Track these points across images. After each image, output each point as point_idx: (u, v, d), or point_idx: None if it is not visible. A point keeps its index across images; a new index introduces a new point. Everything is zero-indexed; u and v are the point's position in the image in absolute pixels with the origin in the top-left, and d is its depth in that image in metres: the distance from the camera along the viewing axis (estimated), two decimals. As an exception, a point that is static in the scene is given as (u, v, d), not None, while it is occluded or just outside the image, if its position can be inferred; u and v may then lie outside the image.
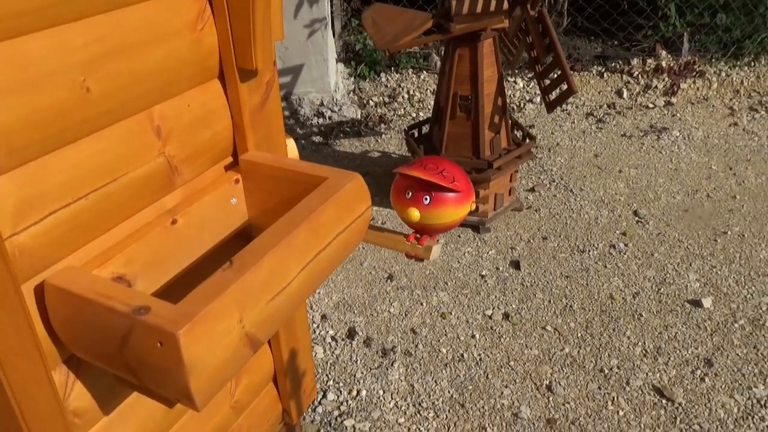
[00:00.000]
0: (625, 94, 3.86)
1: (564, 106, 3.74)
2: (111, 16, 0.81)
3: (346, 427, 1.86)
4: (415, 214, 0.98)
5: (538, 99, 3.82)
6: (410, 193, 0.99)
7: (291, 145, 1.69)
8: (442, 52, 3.52)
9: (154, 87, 0.90)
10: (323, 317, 2.28)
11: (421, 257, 1.02)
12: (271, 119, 1.09)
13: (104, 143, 0.84)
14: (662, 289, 2.30)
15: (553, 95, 2.50)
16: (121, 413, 0.98)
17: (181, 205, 0.97)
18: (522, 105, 3.82)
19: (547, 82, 2.49)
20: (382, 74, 4.02)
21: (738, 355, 2.00)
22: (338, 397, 1.97)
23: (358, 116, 3.73)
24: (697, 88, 3.87)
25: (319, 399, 1.96)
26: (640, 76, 3.95)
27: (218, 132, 1.03)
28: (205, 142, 1.00)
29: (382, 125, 3.66)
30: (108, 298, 0.73)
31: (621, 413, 1.84)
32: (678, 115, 3.64)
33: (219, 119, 1.02)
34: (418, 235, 1.04)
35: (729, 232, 2.60)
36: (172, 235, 0.95)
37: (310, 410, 1.93)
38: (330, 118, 3.72)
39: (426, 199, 0.97)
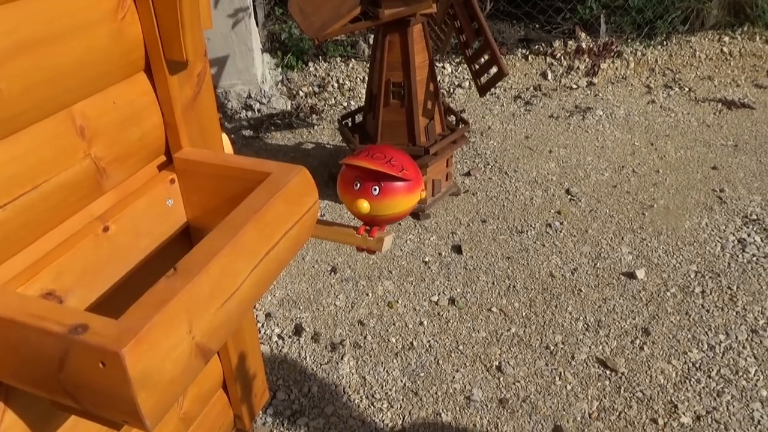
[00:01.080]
0: (550, 76, 3.95)
1: (493, 89, 3.79)
2: (20, 6, 0.73)
3: (300, 426, 1.82)
4: (364, 206, 0.95)
5: (467, 84, 3.86)
6: (358, 185, 0.95)
7: (225, 140, 1.61)
8: (371, 40, 3.48)
9: (74, 83, 0.82)
10: (268, 315, 2.22)
11: (373, 249, 0.99)
12: (205, 114, 1.03)
13: (21, 148, 0.76)
14: (598, 264, 2.38)
15: (484, 79, 2.52)
16: (59, 439, 0.91)
17: (113, 211, 0.90)
18: (452, 90, 3.85)
19: (478, 66, 2.50)
20: (310, 63, 3.94)
21: (672, 322, 2.10)
22: (289, 396, 1.92)
23: (288, 107, 3.65)
24: (616, 68, 4.02)
25: (269, 400, 1.91)
26: (562, 57, 4.06)
27: (148, 130, 0.96)
28: (135, 141, 0.93)
29: (314, 116, 3.60)
30: (38, 318, 0.66)
31: (569, 387, 1.88)
32: (600, 94, 3.76)
33: (148, 116, 0.95)
34: (368, 228, 1.01)
35: (655, 205, 2.71)
36: (105, 244, 0.87)
37: (261, 412, 1.87)
38: (259, 110, 3.62)
39: (375, 189, 0.94)
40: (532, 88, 3.86)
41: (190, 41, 0.90)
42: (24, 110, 0.76)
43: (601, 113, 3.54)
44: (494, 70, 2.40)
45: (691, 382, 1.88)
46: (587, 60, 4.00)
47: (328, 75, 3.89)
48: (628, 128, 3.38)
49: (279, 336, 2.14)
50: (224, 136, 1.61)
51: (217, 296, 0.75)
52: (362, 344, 2.08)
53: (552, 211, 2.71)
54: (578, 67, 3.98)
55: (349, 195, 0.97)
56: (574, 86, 3.86)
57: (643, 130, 3.35)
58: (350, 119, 2.85)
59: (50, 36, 0.77)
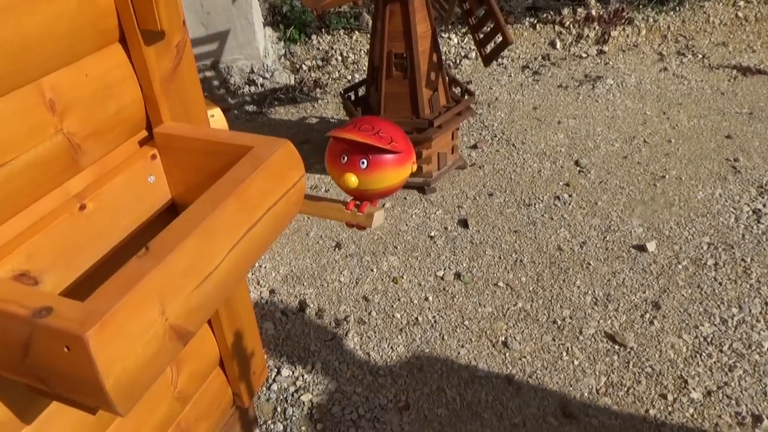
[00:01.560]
0: (559, 44, 3.85)
1: (500, 59, 3.71)
2: (-24, -28, 0.69)
3: (303, 403, 1.81)
4: (352, 180, 0.90)
5: (474, 54, 3.76)
6: (345, 158, 0.91)
7: (218, 114, 1.56)
8: (373, 10, 3.39)
9: (41, 55, 0.78)
10: (272, 292, 2.20)
11: (363, 225, 0.95)
12: (187, 86, 0.99)
13: (-15, 123, 0.73)
14: (608, 237, 2.33)
15: (489, 48, 2.44)
16: (46, 420, 0.89)
17: (90, 189, 0.87)
18: (458, 61, 3.76)
19: (482, 35, 2.43)
20: (313, 37, 3.87)
21: (683, 295, 2.04)
22: (293, 372, 1.91)
23: (292, 82, 3.59)
24: (627, 35, 3.90)
25: (273, 376, 1.89)
26: (571, 26, 3.94)
27: (126, 104, 0.92)
28: (112, 115, 0.89)
29: (318, 90, 3.54)
30: (3, 301, 0.63)
31: (576, 363, 1.85)
32: (611, 63, 3.66)
33: (125, 89, 0.91)
34: (358, 202, 0.97)
35: (667, 176, 2.64)
36: (82, 223, 0.84)
37: (264, 389, 1.86)
38: (262, 85, 3.56)
39: (363, 163, 0.89)
40: (540, 57, 3.76)
41: (165, 10, 0.85)
42: (-13, 84, 0.72)
43: (612, 82, 3.44)
44: (499, 39, 2.32)
45: (702, 357, 1.84)
46: (597, 28, 3.88)
47: (332, 48, 3.82)
48: (640, 97, 3.29)
49: (283, 312, 2.12)
50: (217, 110, 1.56)
51: (193, 276, 0.72)
52: (367, 320, 2.06)
53: (560, 183, 2.65)
54: (588, 36, 3.86)
55: (337, 169, 0.93)
56: (584, 55, 3.76)
57: (654, 99, 3.26)
58: (353, 92, 2.79)
59: (13, 4, 0.73)
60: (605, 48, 3.77)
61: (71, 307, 0.62)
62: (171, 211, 1.04)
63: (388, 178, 0.91)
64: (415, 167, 0.95)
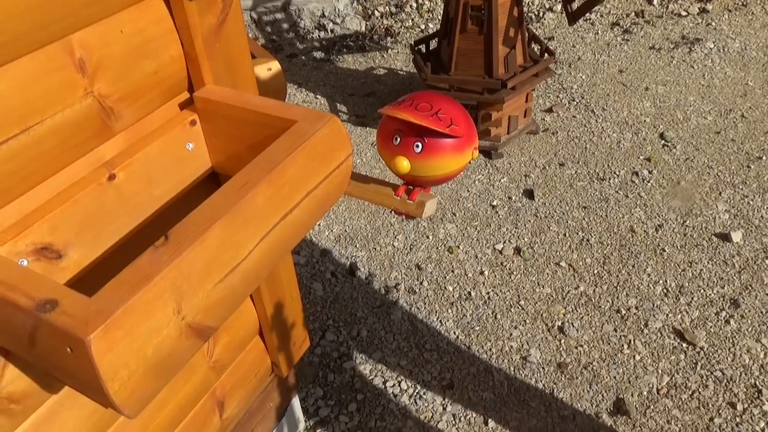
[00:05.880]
0: (656, 0, 3.51)
1: (587, 15, 3.42)
2: None
3: (345, 370, 1.78)
4: (404, 164, 0.80)
5: (560, 7, 3.49)
6: (398, 139, 0.81)
7: (275, 67, 1.47)
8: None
9: (70, 8, 0.71)
10: (323, 252, 2.16)
11: (413, 215, 0.85)
12: (232, 45, 0.90)
13: (6, 84, 0.67)
14: (688, 222, 2.13)
15: (576, 4, 2.23)
16: (70, 391, 0.86)
17: (122, 156, 0.81)
18: (541, 14, 3.50)
19: (570, -12, 2.21)
20: (389, -19, 3.68)
21: (767, 294, 1.86)
22: (338, 337, 1.87)
23: (363, 29, 3.45)
24: (736, -7, 3.51)
25: (318, 340, 1.87)
26: (673, -21, 3.58)
27: (165, 63, 0.84)
28: (148, 75, 0.82)
29: (389, 39, 3.38)
30: (9, 287, 0.58)
31: (637, 357, 1.72)
32: (713, 24, 3.31)
33: (164, 46, 0.83)
34: (410, 187, 0.87)
35: (764, 157, 2.38)
36: (111, 193, 0.79)
37: (308, 351, 1.84)
38: (332, 31, 3.44)
39: (417, 146, 0.79)
40: (633, 14, 3.44)
41: (207, -41, 0.76)
42: (10, 40, 0.66)
43: (712, 46, 3.12)
44: (589, -6, 2.11)
45: (782, 366, 1.67)
46: (702, -17, 3.51)
47: (407, -6, 3.63)
48: (743, 65, 2.96)
49: (333, 274, 2.08)
50: (275, 64, 1.47)
51: (216, 269, 0.65)
52: (417, 290, 1.99)
53: (641, 157, 2.44)
54: (690, -9, 3.50)
55: (388, 150, 0.83)
56: (684, 13, 3.41)
57: (760, 68, 2.93)
58: (424, 45, 2.63)
59: (37, -49, 0.66)
60: (709, 6, 3.41)
61: (77, 303, 0.56)
62: (212, 178, 0.98)
63: (444, 165, 0.81)
64: (476, 154, 0.83)
